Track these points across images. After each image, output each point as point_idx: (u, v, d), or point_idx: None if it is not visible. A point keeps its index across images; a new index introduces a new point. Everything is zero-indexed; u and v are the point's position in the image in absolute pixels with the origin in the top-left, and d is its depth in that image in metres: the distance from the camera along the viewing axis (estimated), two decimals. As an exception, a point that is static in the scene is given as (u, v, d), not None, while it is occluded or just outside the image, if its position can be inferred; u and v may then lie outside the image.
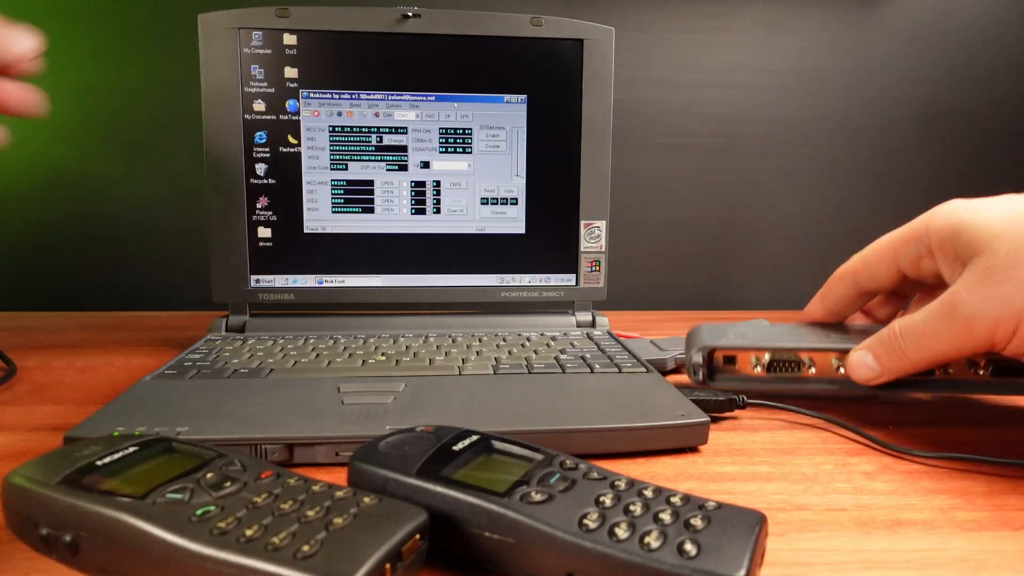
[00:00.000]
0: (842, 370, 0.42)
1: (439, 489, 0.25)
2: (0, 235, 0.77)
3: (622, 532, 0.23)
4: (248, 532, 0.22)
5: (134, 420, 0.35)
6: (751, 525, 0.24)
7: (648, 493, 0.25)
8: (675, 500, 0.25)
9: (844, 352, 0.42)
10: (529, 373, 0.45)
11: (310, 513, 0.23)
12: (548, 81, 0.58)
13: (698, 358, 0.43)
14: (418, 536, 0.23)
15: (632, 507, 0.24)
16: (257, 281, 0.57)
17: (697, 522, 0.24)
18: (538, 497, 0.25)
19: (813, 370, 0.43)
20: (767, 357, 0.43)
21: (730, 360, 0.44)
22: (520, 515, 0.24)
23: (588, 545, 0.23)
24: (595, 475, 0.27)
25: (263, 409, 0.37)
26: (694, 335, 0.45)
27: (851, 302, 0.45)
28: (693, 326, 0.47)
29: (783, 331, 0.46)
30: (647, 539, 0.23)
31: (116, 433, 0.33)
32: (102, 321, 0.71)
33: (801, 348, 0.43)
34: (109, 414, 0.36)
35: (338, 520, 0.23)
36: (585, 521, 0.24)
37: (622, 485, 0.26)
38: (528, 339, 0.55)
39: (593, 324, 0.60)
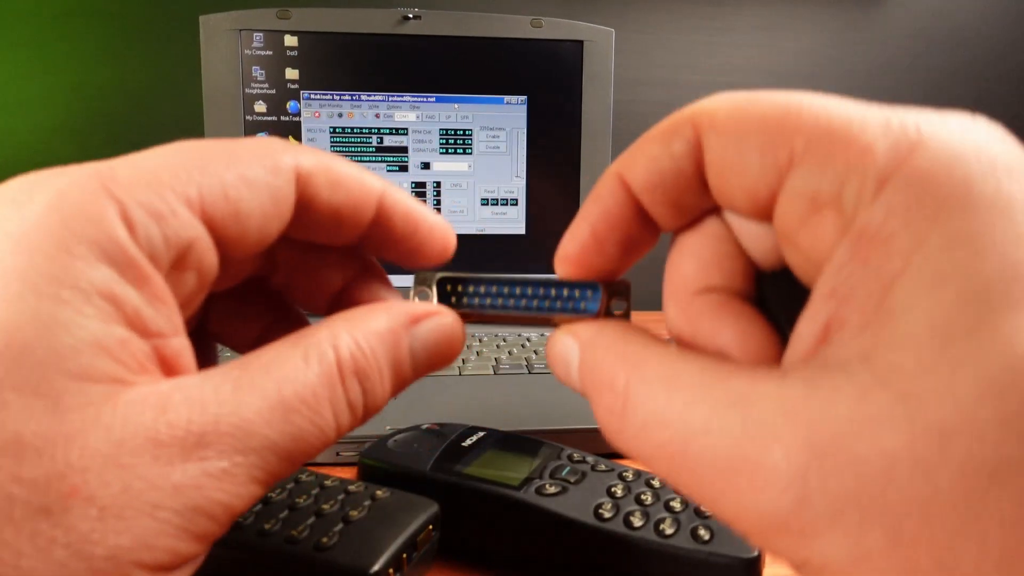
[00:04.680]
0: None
1: (456, 483, 0.26)
2: (1, 235, 0.77)
3: (637, 520, 0.24)
4: (267, 525, 0.22)
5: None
6: None
7: (655, 483, 0.26)
8: None
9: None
10: (529, 373, 0.45)
11: (325, 507, 0.24)
12: (548, 82, 0.58)
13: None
14: (431, 527, 0.24)
15: (643, 496, 0.25)
16: (258, 282, 0.57)
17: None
18: (552, 489, 0.25)
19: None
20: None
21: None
22: (538, 506, 0.24)
23: (607, 534, 0.23)
24: (603, 467, 0.27)
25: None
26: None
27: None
28: None
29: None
30: (662, 526, 0.23)
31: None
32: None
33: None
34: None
35: (354, 513, 0.23)
36: (600, 511, 0.24)
37: (630, 476, 0.27)
38: (528, 339, 0.55)
39: (593, 324, 0.60)
